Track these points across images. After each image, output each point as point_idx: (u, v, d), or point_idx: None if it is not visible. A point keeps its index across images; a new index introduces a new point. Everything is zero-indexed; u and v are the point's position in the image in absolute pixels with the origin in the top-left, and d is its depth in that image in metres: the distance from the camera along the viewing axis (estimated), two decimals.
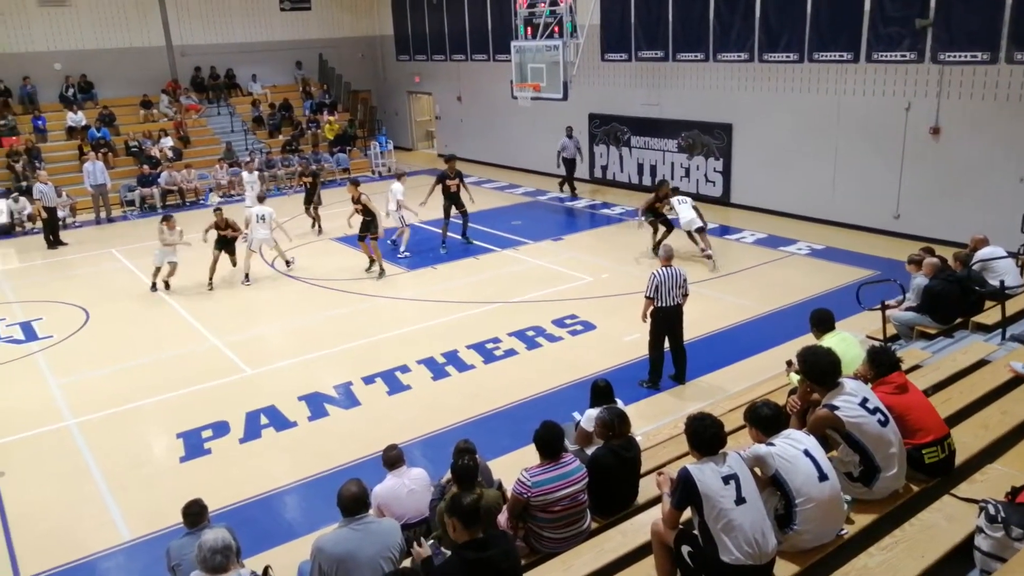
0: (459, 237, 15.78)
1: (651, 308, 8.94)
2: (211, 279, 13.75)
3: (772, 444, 4.35)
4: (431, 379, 9.82)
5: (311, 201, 17.58)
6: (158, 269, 13.74)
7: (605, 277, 13.38)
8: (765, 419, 4.47)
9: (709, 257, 13.65)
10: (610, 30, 19.42)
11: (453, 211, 15.52)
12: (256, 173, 19.44)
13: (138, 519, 7.18)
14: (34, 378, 10.39)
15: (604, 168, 20.81)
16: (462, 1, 24.20)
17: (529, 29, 17.92)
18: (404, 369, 10.07)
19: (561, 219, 17.93)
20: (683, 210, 13.87)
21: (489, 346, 10.67)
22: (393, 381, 9.77)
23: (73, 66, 23.46)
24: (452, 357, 10.37)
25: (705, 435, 4.17)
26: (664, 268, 8.90)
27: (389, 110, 29.25)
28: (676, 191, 14.65)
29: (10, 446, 8.61)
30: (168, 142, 22.71)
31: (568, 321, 11.41)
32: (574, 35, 17.17)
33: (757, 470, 4.29)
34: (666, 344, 9.20)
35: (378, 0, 28.39)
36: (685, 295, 9.01)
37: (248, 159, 22.30)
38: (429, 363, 10.22)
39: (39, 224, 17.73)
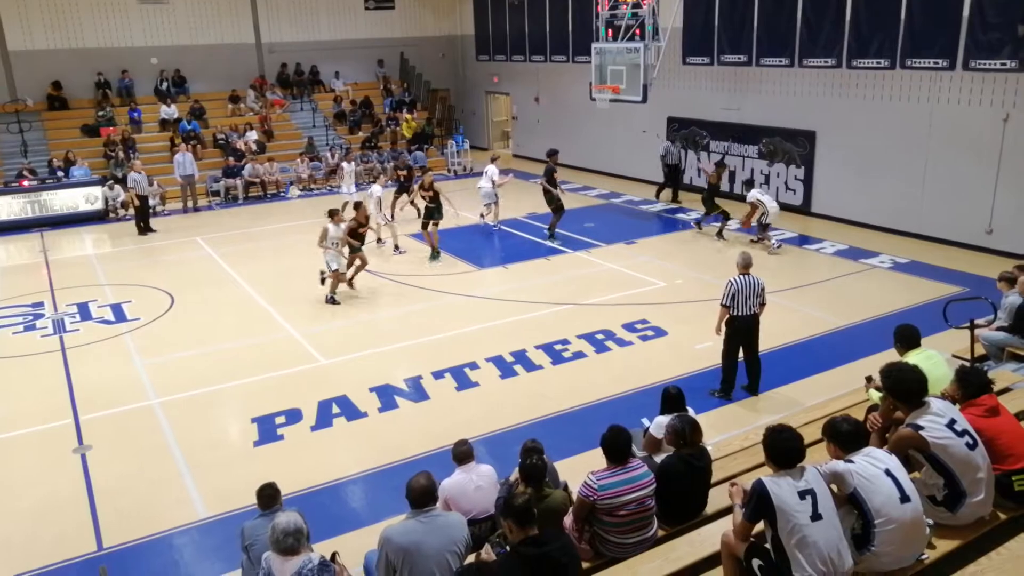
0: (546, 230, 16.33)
1: (726, 317, 8.75)
2: (351, 282, 13.34)
3: (851, 461, 4.22)
4: (499, 377, 9.86)
5: (403, 192, 17.61)
6: (335, 274, 12.63)
7: (679, 283, 13.20)
8: (845, 435, 4.33)
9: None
10: (692, 33, 19.15)
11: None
12: (354, 163, 20.45)
13: (213, 498, 7.43)
14: (122, 358, 10.86)
15: (682, 172, 20.51)
16: (543, 2, 24.24)
17: (610, 31, 17.83)
18: (473, 366, 10.15)
19: (635, 223, 17.76)
20: (768, 200, 14.70)
21: (558, 347, 10.65)
22: (462, 377, 9.85)
23: (168, 61, 24.46)
24: (520, 356, 10.39)
25: (783, 447, 4.08)
26: (741, 276, 8.72)
27: (467, 109, 29.52)
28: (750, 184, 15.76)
29: (98, 421, 9.02)
30: (253, 135, 23.44)
31: (639, 326, 11.30)
32: (656, 38, 16.99)
33: (834, 487, 4.16)
34: (740, 354, 9.00)
35: (460, 1, 28.69)
36: (762, 304, 8.81)
37: (348, 148, 23.07)
38: (497, 361, 10.27)
39: (131, 211, 18.53)
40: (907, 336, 6.26)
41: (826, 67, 16.23)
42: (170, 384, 9.92)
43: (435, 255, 15.01)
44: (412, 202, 17.25)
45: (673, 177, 19.29)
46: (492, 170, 17.13)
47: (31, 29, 22.43)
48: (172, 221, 19.39)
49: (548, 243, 15.91)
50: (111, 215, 19.78)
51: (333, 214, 12.67)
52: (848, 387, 8.27)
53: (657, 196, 19.34)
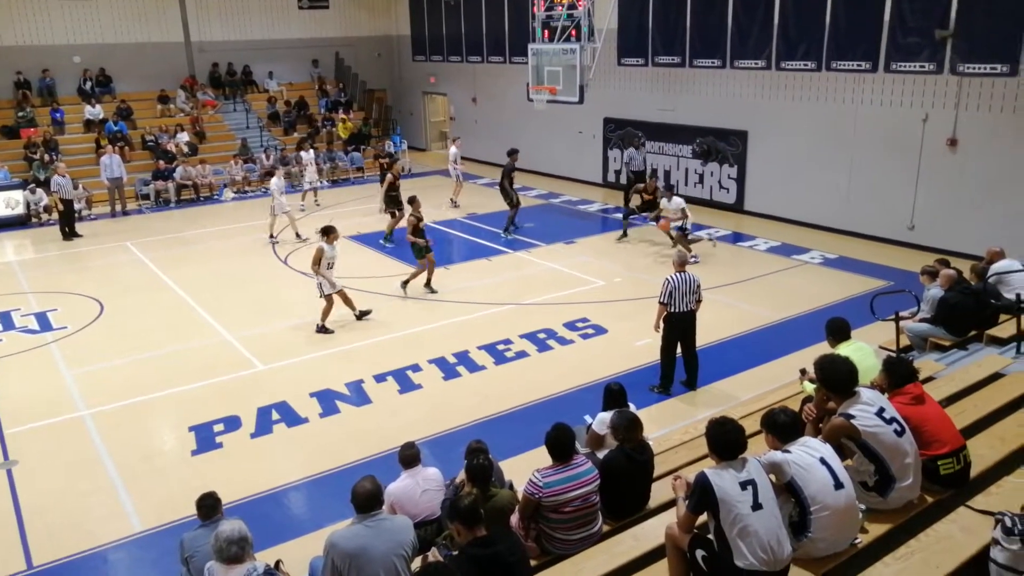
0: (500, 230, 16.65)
1: (664, 314, 8.91)
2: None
3: (788, 451, 4.35)
4: (442, 379, 9.84)
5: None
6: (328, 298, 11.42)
7: (617, 281, 13.38)
8: (782, 426, 4.47)
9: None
10: (627, 35, 19.43)
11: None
12: (312, 152, 20.82)
13: (150, 511, 7.22)
14: (48, 368, 10.46)
15: (618, 172, 20.80)
16: (480, 3, 24.25)
17: (546, 32, 17.94)
18: (415, 368, 10.10)
19: (574, 222, 17.92)
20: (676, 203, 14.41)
21: (500, 347, 10.68)
22: (404, 380, 9.80)
23: (92, 60, 23.61)
24: (463, 357, 10.38)
25: (726, 440, 4.17)
26: (678, 274, 8.89)
27: (404, 110, 29.33)
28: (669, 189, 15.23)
29: (24, 435, 8.67)
30: (184, 137, 22.83)
31: (580, 324, 11.41)
32: (591, 39, 17.17)
33: (773, 477, 4.28)
34: (678, 350, 9.17)
35: (396, 0, 28.49)
36: (699, 301, 9.00)
37: (307, 138, 22.73)
38: (440, 363, 10.24)
39: (55, 216, 17.85)
40: (838, 328, 6.48)
41: (756, 68, 16.67)
42: (101, 394, 9.60)
43: (388, 239, 16.03)
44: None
45: (637, 183, 17.80)
46: (455, 152, 19.48)
47: None
48: (100, 225, 18.74)
49: (504, 235, 16.37)
50: (33, 220, 19.01)
51: (329, 232, 11.28)
52: (784, 380, 8.52)
53: (626, 204, 17.21)
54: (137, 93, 24.14)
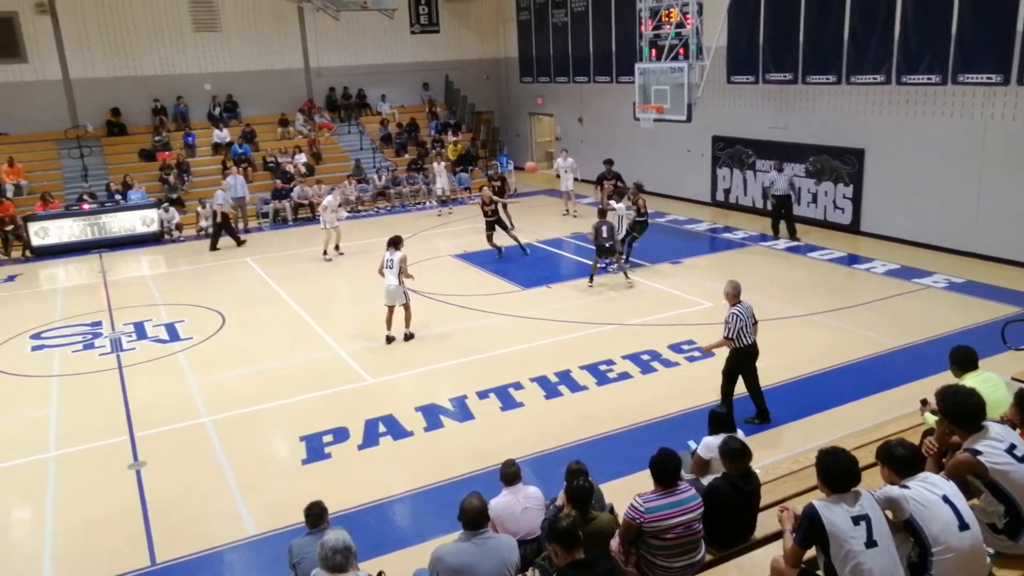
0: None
1: (731, 348, 8.59)
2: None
3: (907, 487, 4.11)
4: (543, 398, 9.85)
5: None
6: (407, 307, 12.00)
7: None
8: (900, 459, 4.23)
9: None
10: (737, 52, 19.07)
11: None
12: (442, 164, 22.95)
13: (262, 515, 7.54)
14: (176, 376, 11.13)
15: (727, 191, 20.38)
16: (587, 24, 24.38)
17: (654, 51, 17.83)
18: (517, 386, 10.16)
19: (681, 242, 17.65)
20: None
21: (603, 368, 10.61)
22: (506, 397, 9.87)
23: (220, 86, 25.17)
24: (565, 377, 10.37)
25: (837, 471, 3.99)
26: (739, 304, 8.55)
27: (511, 131, 29.74)
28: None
29: (152, 438, 9.24)
30: (302, 158, 23.92)
31: (685, 347, 11.20)
32: (699, 57, 16.95)
33: (889, 513, 4.07)
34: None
35: (504, 23, 29.01)
36: (755, 323, 8.68)
37: (427, 153, 24.88)
38: (542, 381, 10.26)
39: (185, 233, 19.05)
40: (964, 358, 6.09)
41: (874, 83, 15.99)
42: (221, 402, 10.13)
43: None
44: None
45: (783, 210, 17.08)
46: (569, 163, 20.39)
47: (92, 58, 23.30)
48: (224, 243, 19.82)
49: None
50: (166, 236, 20.33)
51: (398, 243, 12.03)
52: (901, 410, 8.06)
53: (775, 232, 17.15)
54: (260, 117, 25.53)
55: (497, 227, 16.65)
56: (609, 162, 19.39)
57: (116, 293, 15.50)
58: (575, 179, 20.60)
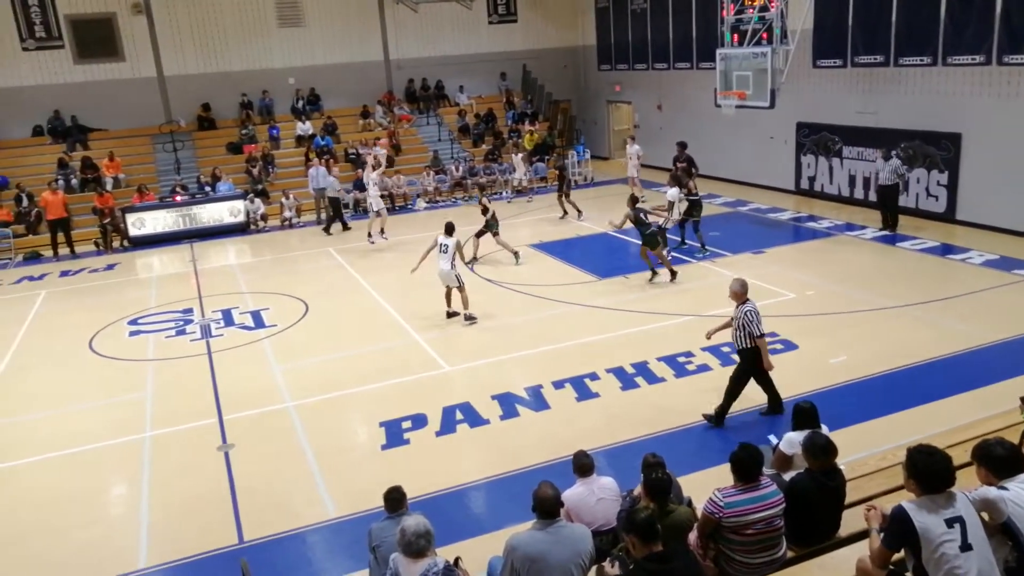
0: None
1: (746, 347, 8.40)
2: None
3: (1005, 488, 3.92)
4: (619, 389, 9.77)
5: (562, 191, 19.31)
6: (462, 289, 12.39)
7: (810, 295, 12.67)
8: (999, 459, 4.03)
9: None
10: (824, 35, 18.39)
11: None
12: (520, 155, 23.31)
13: (343, 499, 7.74)
14: (261, 362, 11.52)
15: (812, 179, 19.74)
16: (667, 10, 23.96)
17: (736, 36, 17.40)
18: (593, 376, 10.11)
19: (763, 231, 17.20)
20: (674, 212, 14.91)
21: (681, 359, 10.45)
22: (582, 387, 9.84)
23: (304, 80, 25.84)
24: (642, 368, 10.26)
25: (933, 470, 3.82)
26: (750, 303, 8.42)
27: (588, 119, 29.53)
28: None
29: (239, 421, 9.59)
30: (381, 150, 24.31)
31: (768, 339, 10.89)
32: (784, 41, 16.43)
33: (985, 515, 3.88)
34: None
35: (582, 11, 28.78)
36: None
37: (502, 145, 25.23)
38: (618, 372, 10.18)
39: (270, 223, 19.66)
40: None
41: (973, 64, 15.18)
42: (304, 388, 10.43)
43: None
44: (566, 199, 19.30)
45: (886, 200, 16.22)
46: (636, 150, 20.91)
47: (184, 55, 24.26)
48: (307, 232, 20.41)
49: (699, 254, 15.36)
50: (252, 227, 21.01)
51: (451, 230, 12.47)
52: (998, 408, 7.67)
53: (883, 223, 16.33)
54: (341, 109, 26.10)
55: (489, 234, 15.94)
56: (682, 145, 18.72)
57: (206, 281, 16.14)
58: (640, 166, 21.07)
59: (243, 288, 15.49)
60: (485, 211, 15.78)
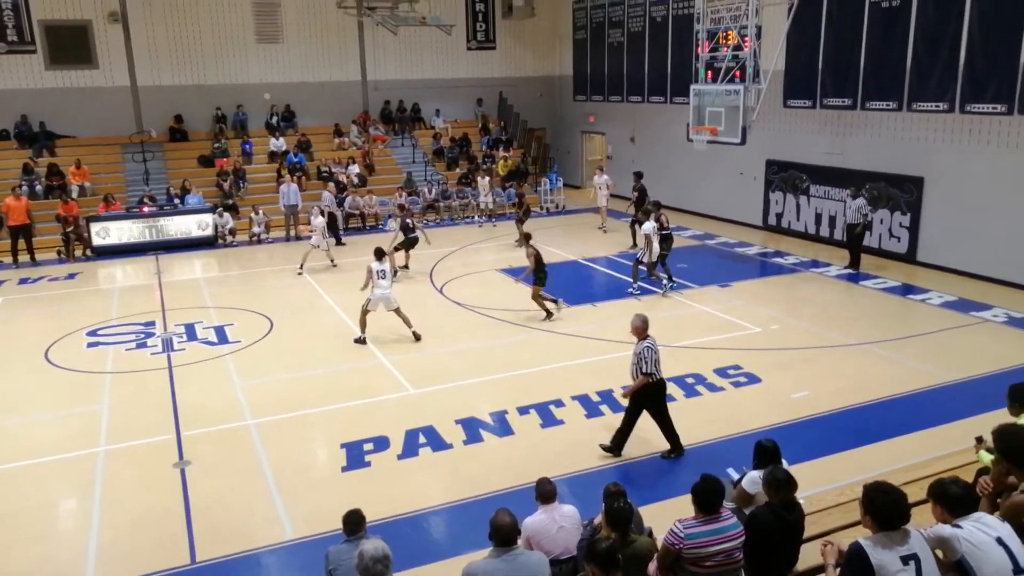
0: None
1: (645, 383, 8.35)
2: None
3: (959, 527, 3.97)
4: (584, 416, 9.78)
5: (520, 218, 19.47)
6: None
7: (775, 328, 12.83)
8: (954, 498, 4.09)
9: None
10: (794, 76, 18.84)
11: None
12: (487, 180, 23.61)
13: (301, 520, 7.61)
14: (222, 378, 11.34)
15: (779, 216, 20.09)
16: (643, 44, 24.36)
17: (710, 73, 17.72)
18: (558, 403, 10.10)
19: (730, 265, 17.43)
20: (656, 243, 14.85)
21: None
22: (547, 414, 9.82)
23: (280, 96, 25.77)
24: (607, 397, 10.28)
25: (889, 508, 3.87)
26: (649, 339, 8.43)
27: (562, 148, 29.80)
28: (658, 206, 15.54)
29: (198, 438, 9.41)
30: (355, 169, 24.30)
31: (731, 371, 11.02)
32: (756, 80, 16.78)
33: (939, 553, 3.92)
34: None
35: (560, 41, 29.14)
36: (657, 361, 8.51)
37: (476, 169, 25.27)
38: (583, 400, 10.19)
39: (238, 238, 19.47)
40: (1022, 395, 5.88)
41: (937, 111, 15.63)
42: (265, 406, 10.27)
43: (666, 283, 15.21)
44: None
45: (851, 238, 16.45)
46: (605, 179, 21.08)
47: (159, 66, 24.07)
48: (275, 249, 20.23)
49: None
50: (220, 241, 20.79)
51: (382, 255, 12.85)
52: (955, 447, 7.82)
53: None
54: (316, 127, 26.03)
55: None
56: (638, 175, 19.88)
57: (170, 294, 15.90)
58: (609, 195, 21.32)
59: (208, 302, 15.28)
60: (412, 229, 16.69)
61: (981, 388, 10.07)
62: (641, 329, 8.51)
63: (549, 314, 13.44)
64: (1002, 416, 5.84)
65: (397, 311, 12.54)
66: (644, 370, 8.32)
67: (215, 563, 6.99)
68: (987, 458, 5.49)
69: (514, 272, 16.64)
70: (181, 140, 24.45)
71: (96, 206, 20.49)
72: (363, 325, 12.58)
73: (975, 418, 8.74)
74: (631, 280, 15.30)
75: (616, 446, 8.68)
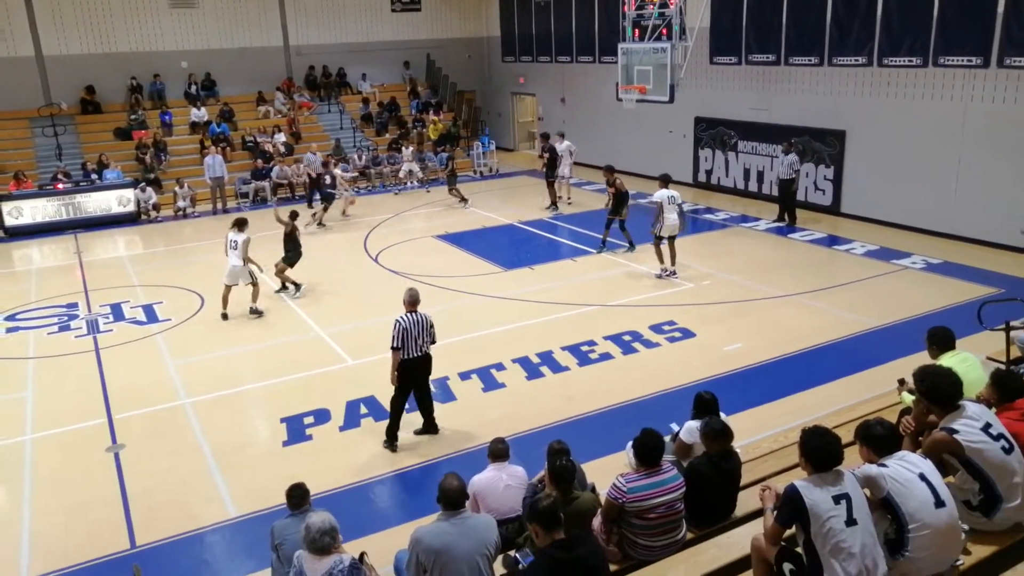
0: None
1: (398, 361, 8.04)
2: None
3: (885, 465, 4.16)
4: (525, 379, 9.86)
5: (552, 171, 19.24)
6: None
7: (707, 284, 13.12)
8: (878, 438, 4.28)
9: (673, 274, 13.16)
10: (720, 33, 19.03)
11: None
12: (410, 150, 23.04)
13: (244, 497, 7.51)
14: (154, 358, 11.02)
15: (709, 172, 20.42)
16: (570, 3, 24.22)
17: (637, 31, 17.76)
18: (499, 367, 10.16)
19: None
20: (671, 212, 13.14)
21: (584, 348, 10.63)
22: (488, 378, 9.87)
23: (198, 64, 24.77)
24: (547, 358, 10.38)
25: (824, 451, 4.03)
26: (408, 314, 8.06)
27: (493, 111, 29.56)
28: (667, 181, 13.66)
29: (130, 421, 9.16)
30: (281, 138, 23.65)
31: (666, 327, 11.24)
32: (683, 37, 16.90)
33: (867, 491, 4.11)
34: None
35: (486, 2, 28.75)
36: (433, 342, 8.24)
37: (402, 136, 24.89)
38: (524, 362, 10.27)
39: (163, 213, 18.82)
40: (941, 338, 6.16)
41: (856, 66, 16.04)
42: (200, 384, 10.05)
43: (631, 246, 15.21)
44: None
45: (783, 193, 16.81)
46: (567, 146, 19.31)
47: (65, 34, 22.82)
48: (202, 223, 19.63)
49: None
50: (143, 217, 20.05)
51: (242, 224, 12.52)
52: (880, 389, 8.18)
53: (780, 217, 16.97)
54: (238, 96, 25.19)
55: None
56: (545, 136, 20.03)
57: (92, 274, 15.30)
58: (573, 163, 19.76)
59: (134, 281, 14.77)
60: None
61: (903, 332, 10.52)
62: (407, 302, 8.17)
63: None
64: (922, 358, 6.11)
65: (253, 284, 12.38)
66: (391, 345, 8.02)
67: (156, 546, 6.86)
68: (909, 399, 5.75)
69: (451, 238, 16.55)
70: (94, 112, 23.34)
71: (7, 184, 19.49)
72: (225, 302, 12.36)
73: (898, 361, 9.13)
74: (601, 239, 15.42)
75: (390, 438, 8.27)
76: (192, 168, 21.76)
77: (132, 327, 12.27)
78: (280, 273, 13.34)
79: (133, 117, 23.16)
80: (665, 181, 13.62)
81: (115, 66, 23.49)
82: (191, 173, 21.39)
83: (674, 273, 13.33)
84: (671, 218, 13.09)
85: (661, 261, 13.45)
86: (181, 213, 20.14)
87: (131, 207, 19.90)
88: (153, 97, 24.19)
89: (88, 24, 23.08)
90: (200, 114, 23.76)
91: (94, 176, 20.37)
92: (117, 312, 12.96)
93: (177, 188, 20.39)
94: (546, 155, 19.10)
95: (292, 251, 13.29)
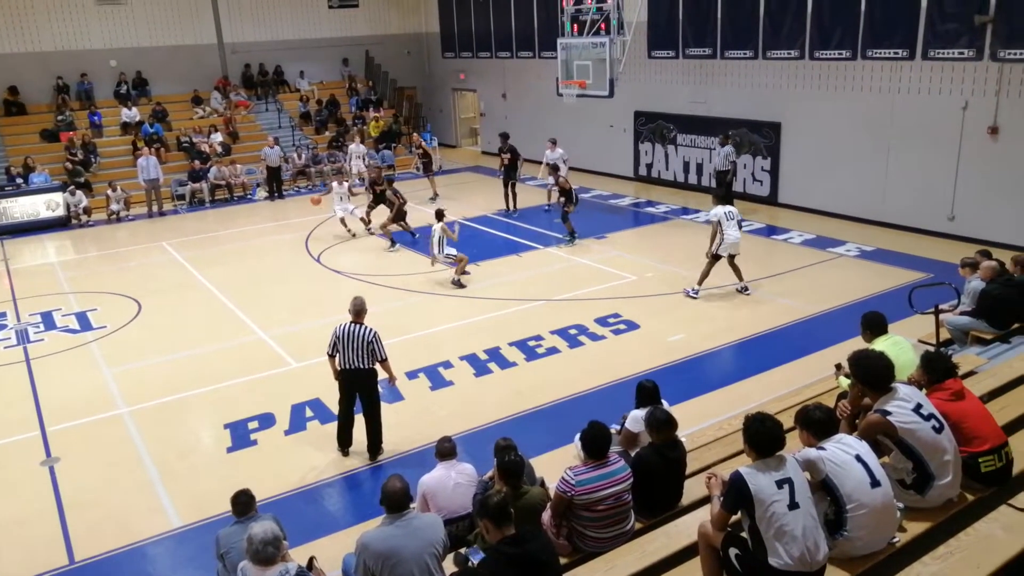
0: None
1: (335, 368, 7.86)
2: None
3: (823, 448, 4.28)
4: (473, 375, 9.85)
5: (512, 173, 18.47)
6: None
7: (649, 276, 13.29)
8: (817, 422, 4.40)
9: (746, 289, 12.17)
10: (657, 27, 19.27)
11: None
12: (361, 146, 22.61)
13: (187, 507, 7.33)
14: (89, 367, 10.67)
15: (649, 166, 20.67)
16: None
17: (575, 26, 17.85)
18: (447, 365, 10.12)
19: (605, 217, 17.82)
20: (732, 228, 11.73)
21: (531, 343, 10.66)
22: (436, 376, 9.83)
23: (128, 63, 24.01)
24: (494, 354, 10.38)
25: (767, 436, 4.11)
26: (349, 324, 7.78)
27: (434, 107, 29.40)
28: (720, 197, 12.49)
29: (65, 433, 8.85)
30: (218, 138, 23.12)
31: (611, 320, 11.35)
32: (621, 32, 17.04)
33: (808, 474, 4.22)
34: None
35: None
36: (383, 360, 7.83)
37: (344, 133, 24.54)
38: (471, 359, 10.25)
39: (95, 217, 18.22)
40: (874, 323, 6.36)
41: (789, 59, 16.42)
42: (139, 392, 9.77)
43: (571, 236, 15.53)
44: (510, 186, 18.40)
45: (720, 184, 16.73)
46: (560, 154, 17.95)
47: None
48: (137, 226, 19.07)
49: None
50: (73, 221, 19.39)
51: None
52: (819, 375, 8.39)
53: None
54: (172, 95, 24.53)
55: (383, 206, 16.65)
56: (504, 135, 18.86)
57: (20, 282, 14.73)
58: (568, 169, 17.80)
59: (65, 288, 14.27)
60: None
61: (839, 318, 10.82)
62: (352, 312, 7.90)
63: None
64: (858, 343, 6.29)
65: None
66: (327, 351, 7.79)
67: (96, 560, 6.65)
68: (845, 383, 5.93)
69: (394, 236, 16.40)
70: (18, 114, 22.46)
71: None
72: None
73: (835, 347, 9.39)
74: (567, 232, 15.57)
75: (340, 444, 8.09)
76: (125, 170, 21.12)
77: (65, 335, 11.86)
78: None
79: (60, 118, 22.36)
80: (718, 197, 12.42)
81: (40, 65, 22.63)
82: (124, 175, 20.76)
83: (746, 288, 12.21)
84: (733, 235, 11.66)
85: (701, 281, 12.02)
86: (115, 217, 19.53)
87: (60, 211, 19.22)
88: (81, 97, 23.36)
89: (9, 22, 22.19)
90: (132, 114, 23.04)
91: (20, 180, 19.60)
92: (48, 320, 12.51)
93: (109, 191, 19.75)
94: (506, 156, 18.00)
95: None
